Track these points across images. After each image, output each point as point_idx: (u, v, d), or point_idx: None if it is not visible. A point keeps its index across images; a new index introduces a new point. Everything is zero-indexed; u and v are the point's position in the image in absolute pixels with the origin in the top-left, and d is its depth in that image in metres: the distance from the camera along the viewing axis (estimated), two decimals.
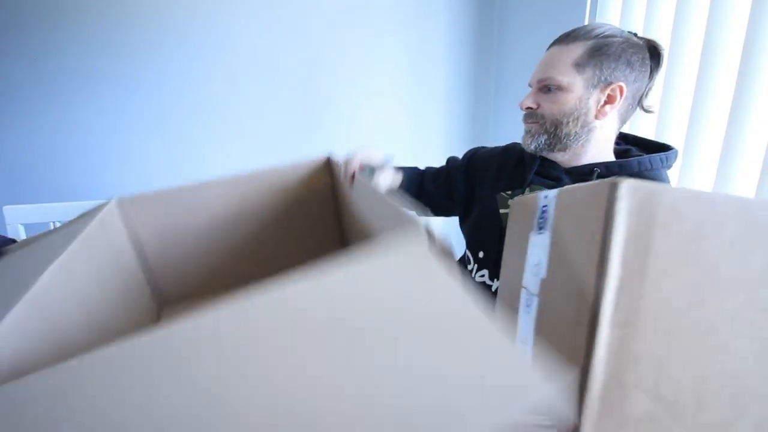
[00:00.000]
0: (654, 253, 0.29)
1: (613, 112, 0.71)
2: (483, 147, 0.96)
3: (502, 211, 0.80)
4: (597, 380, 0.30)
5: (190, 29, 1.66)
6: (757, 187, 0.84)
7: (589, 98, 0.70)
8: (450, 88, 1.97)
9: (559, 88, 0.70)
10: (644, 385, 0.30)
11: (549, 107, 0.72)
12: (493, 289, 0.80)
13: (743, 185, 0.87)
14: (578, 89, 0.69)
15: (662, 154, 0.70)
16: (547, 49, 0.74)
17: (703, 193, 0.30)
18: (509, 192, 0.81)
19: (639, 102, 0.73)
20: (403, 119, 1.96)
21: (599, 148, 0.73)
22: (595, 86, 0.69)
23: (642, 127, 1.12)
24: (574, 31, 0.71)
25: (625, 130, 0.80)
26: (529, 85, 0.76)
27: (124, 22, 1.60)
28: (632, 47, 0.69)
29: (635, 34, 0.71)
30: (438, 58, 1.92)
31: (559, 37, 0.73)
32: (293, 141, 1.87)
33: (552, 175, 0.77)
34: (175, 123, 1.74)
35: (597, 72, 0.68)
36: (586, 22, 1.34)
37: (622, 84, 0.69)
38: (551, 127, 0.72)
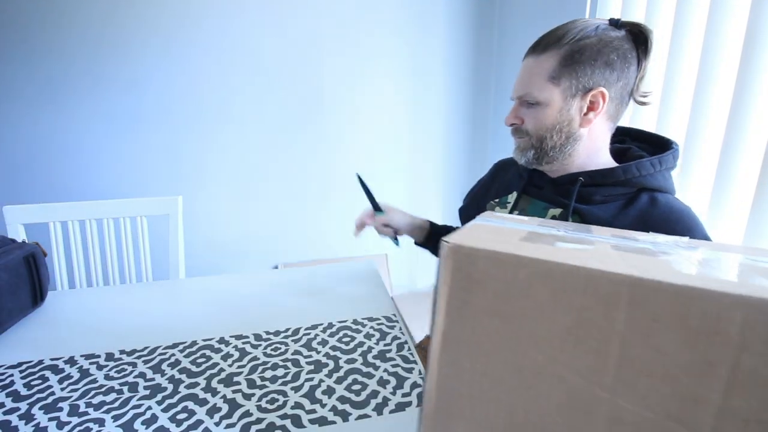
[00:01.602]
0: (471, 306, 0.34)
1: (599, 118, 0.69)
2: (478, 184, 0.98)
3: None
4: (430, 407, 0.37)
5: (190, 32, 1.66)
6: (757, 188, 0.84)
7: (569, 109, 0.68)
8: (450, 88, 1.97)
9: (538, 103, 0.69)
10: (464, 416, 0.36)
11: (531, 123, 0.71)
12: None
13: (743, 186, 0.87)
14: (557, 102, 0.68)
15: (654, 159, 0.67)
16: (523, 59, 0.72)
17: (514, 257, 0.33)
18: (497, 200, 0.82)
19: (630, 96, 0.70)
20: (403, 118, 1.96)
21: (588, 155, 0.72)
22: (573, 96, 0.67)
23: (642, 126, 1.12)
24: (545, 38, 0.69)
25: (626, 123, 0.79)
26: (511, 99, 0.75)
27: (123, 24, 1.60)
28: (608, 45, 0.65)
29: (617, 21, 0.68)
30: (438, 58, 1.92)
31: (532, 45, 0.70)
32: (293, 141, 1.87)
33: (539, 184, 0.77)
34: (174, 123, 1.74)
35: (573, 81, 0.66)
36: None
37: (603, 89, 0.66)
38: (537, 142, 0.71)
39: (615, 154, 0.75)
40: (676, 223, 0.63)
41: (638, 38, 0.67)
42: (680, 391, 0.29)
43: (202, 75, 1.71)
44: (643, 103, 0.71)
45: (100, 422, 0.58)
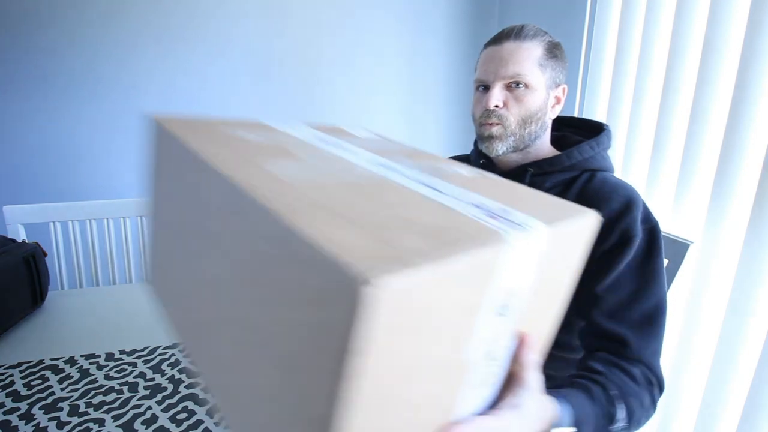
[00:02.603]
0: (161, 167, 0.44)
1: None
2: None
3: None
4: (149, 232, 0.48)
5: (190, 30, 1.66)
6: (757, 188, 0.84)
7: (547, 99, 0.70)
8: (449, 88, 1.97)
9: (527, 86, 0.68)
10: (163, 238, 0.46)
11: (516, 106, 0.69)
12: None
13: (743, 186, 0.87)
14: (542, 89, 0.69)
15: (592, 141, 0.70)
16: (492, 44, 0.70)
17: (178, 138, 0.40)
18: None
19: None
20: (401, 118, 1.96)
21: (543, 146, 0.74)
22: (550, 87, 0.70)
23: (643, 126, 1.12)
24: (521, 29, 0.69)
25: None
26: (483, 82, 0.71)
27: (124, 23, 1.60)
28: (562, 49, 0.72)
29: None
30: (437, 58, 1.92)
31: (507, 33, 0.69)
32: None
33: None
34: None
35: (553, 73, 0.70)
36: (586, 23, 1.34)
37: (565, 85, 0.72)
38: (517, 128, 0.69)
39: (552, 140, 0.78)
40: (610, 193, 0.65)
41: None
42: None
43: (202, 75, 1.71)
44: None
45: (100, 422, 0.58)
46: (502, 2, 1.86)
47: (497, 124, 0.69)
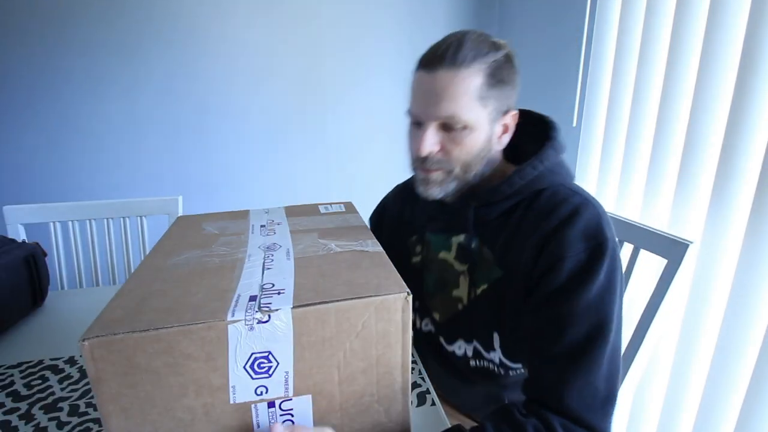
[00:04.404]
0: None
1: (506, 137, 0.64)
2: (385, 200, 0.89)
3: (414, 259, 0.73)
4: None
5: (191, 32, 1.66)
6: (757, 188, 0.84)
7: (492, 134, 0.61)
8: None
9: (465, 127, 0.57)
10: None
11: (456, 150, 0.59)
12: (421, 329, 0.74)
13: (743, 186, 0.87)
14: (485, 126, 0.59)
15: (535, 161, 0.60)
16: (424, 69, 0.59)
17: None
18: (414, 237, 0.74)
19: None
20: (402, 118, 1.96)
21: (493, 173, 0.65)
22: (495, 119, 0.60)
23: (643, 126, 1.12)
24: (457, 50, 0.56)
25: None
26: (415, 117, 0.62)
27: (124, 24, 1.60)
28: (512, 64, 0.61)
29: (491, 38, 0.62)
30: None
31: (440, 56, 0.57)
32: (294, 141, 1.87)
33: (433, 215, 0.70)
34: (174, 123, 1.74)
35: (497, 104, 0.59)
36: (586, 23, 1.34)
37: (515, 111, 0.62)
38: (461, 172, 0.61)
39: (509, 149, 0.67)
40: (551, 210, 0.57)
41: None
42: None
43: (201, 75, 1.71)
44: None
45: (101, 422, 0.57)
46: (502, 3, 1.86)
47: (437, 170, 0.61)
